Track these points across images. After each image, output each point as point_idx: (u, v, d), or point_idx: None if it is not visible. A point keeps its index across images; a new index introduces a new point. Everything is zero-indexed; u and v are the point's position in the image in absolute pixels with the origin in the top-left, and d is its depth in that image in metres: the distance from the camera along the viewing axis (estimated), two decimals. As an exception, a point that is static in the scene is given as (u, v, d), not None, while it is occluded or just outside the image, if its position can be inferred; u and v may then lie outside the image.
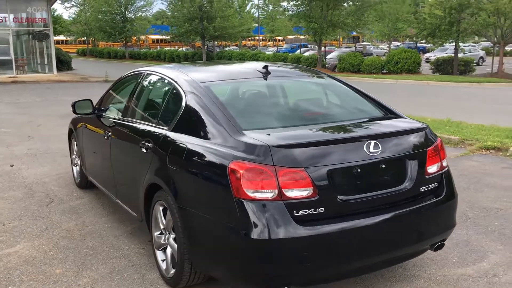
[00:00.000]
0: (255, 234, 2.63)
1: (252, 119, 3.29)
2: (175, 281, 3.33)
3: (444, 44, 26.60)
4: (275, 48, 60.92)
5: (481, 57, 37.59)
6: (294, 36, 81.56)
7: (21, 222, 4.78)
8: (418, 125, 3.19)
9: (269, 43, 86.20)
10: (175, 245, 3.29)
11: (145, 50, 54.17)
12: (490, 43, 52.47)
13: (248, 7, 66.61)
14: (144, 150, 3.64)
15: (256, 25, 64.68)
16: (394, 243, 2.95)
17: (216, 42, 44.98)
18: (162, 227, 3.52)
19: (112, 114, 4.83)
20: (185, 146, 3.16)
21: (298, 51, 48.38)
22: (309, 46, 54.23)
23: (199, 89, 3.44)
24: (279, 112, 3.51)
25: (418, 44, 54.44)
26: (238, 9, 54.36)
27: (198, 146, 3.07)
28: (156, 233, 3.66)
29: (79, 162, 5.82)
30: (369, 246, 2.85)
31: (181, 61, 39.84)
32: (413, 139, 3.11)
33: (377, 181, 2.95)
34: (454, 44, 25.80)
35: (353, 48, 44.78)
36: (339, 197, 2.78)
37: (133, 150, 3.89)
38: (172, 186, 3.20)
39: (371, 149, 2.87)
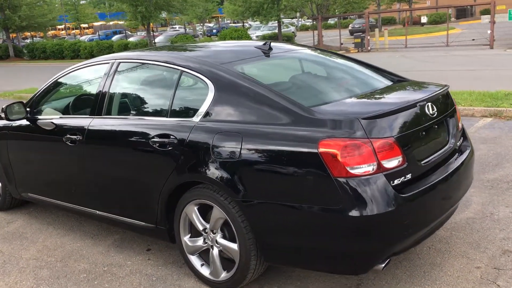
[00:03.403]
0: (362, 211, 2.55)
1: (299, 95, 3.10)
2: (236, 281, 3.05)
3: (269, 21, 28.17)
4: (85, 36, 57.26)
5: (293, 32, 40.72)
6: (100, 23, 77.93)
7: (-37, 262, 3.83)
8: (445, 86, 3.38)
9: (73, 31, 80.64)
10: (231, 244, 3.01)
11: None
12: (293, 19, 57.04)
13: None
14: (159, 148, 3.20)
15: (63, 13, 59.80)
16: (455, 198, 3.14)
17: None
18: (201, 228, 3.18)
19: (57, 115, 4.15)
20: (238, 134, 2.87)
21: (114, 37, 46.13)
22: (124, 32, 52.11)
23: (226, 71, 3.14)
24: (317, 86, 3.37)
25: (231, 24, 56.60)
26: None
27: (259, 132, 2.82)
28: (185, 237, 3.29)
29: (-6, 180, 4.85)
30: (443, 203, 3.00)
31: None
32: (447, 99, 3.31)
33: (435, 142, 3.08)
34: (267, 23, 27.47)
35: (174, 32, 44.55)
36: (418, 161, 2.85)
37: (135, 152, 3.40)
38: (227, 180, 2.90)
39: (431, 111, 2.98)
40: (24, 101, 4.32)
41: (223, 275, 3.12)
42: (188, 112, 3.24)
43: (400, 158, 2.70)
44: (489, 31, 20.60)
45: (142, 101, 3.69)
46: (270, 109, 2.86)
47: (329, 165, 2.58)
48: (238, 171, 2.88)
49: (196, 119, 3.12)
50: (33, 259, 3.80)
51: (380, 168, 2.62)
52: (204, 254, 3.27)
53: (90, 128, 3.69)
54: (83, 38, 53.59)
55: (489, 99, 8.05)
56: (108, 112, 3.69)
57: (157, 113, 3.46)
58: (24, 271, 3.63)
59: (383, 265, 2.71)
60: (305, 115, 2.75)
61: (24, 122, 4.27)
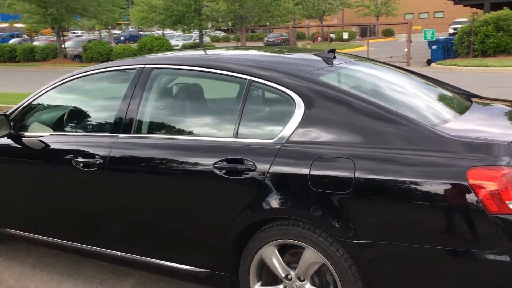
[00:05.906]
0: None
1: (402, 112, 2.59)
2: None
3: (192, 31, 27.44)
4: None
5: (209, 43, 40.31)
6: (-8, 25, 72.00)
7: None
8: None
9: (-43, 33, 73.53)
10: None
11: None
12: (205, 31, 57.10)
13: None
14: (225, 176, 2.57)
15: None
16: None
17: None
18: (283, 274, 2.58)
19: (53, 131, 3.34)
20: (349, 160, 2.33)
21: (12, 41, 42.45)
22: (22, 35, 48.17)
23: (318, 83, 2.59)
24: (412, 103, 2.86)
25: (141, 33, 54.86)
26: None
27: (379, 157, 2.29)
28: (256, 286, 2.68)
29: None
30: None
31: None
32: None
33: None
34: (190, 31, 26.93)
35: (81, 37, 41.97)
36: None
37: (187, 179, 2.73)
38: (332, 217, 2.35)
39: None
40: (7, 112, 3.42)
41: (315, 332, 2.55)
42: (266, 131, 2.65)
43: None
44: (406, 49, 21.71)
45: (190, 117, 3.01)
46: (390, 129, 2.36)
47: (483, 199, 2.14)
48: (349, 206, 2.34)
49: (280, 140, 2.53)
50: (34, 318, 2.94)
51: None
52: (281, 307, 2.67)
53: (115, 149, 2.93)
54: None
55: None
56: (139, 130, 2.97)
57: (218, 132, 2.80)
58: (29, 336, 2.77)
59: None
60: (438, 137, 2.28)
61: (5, 140, 3.37)
